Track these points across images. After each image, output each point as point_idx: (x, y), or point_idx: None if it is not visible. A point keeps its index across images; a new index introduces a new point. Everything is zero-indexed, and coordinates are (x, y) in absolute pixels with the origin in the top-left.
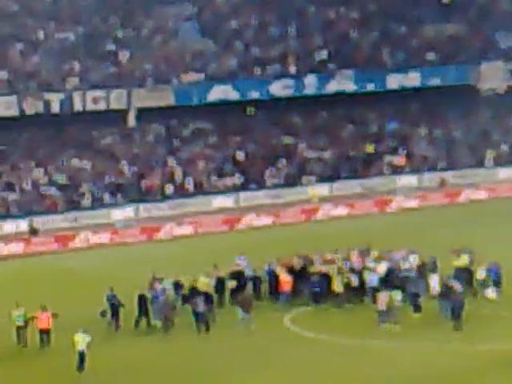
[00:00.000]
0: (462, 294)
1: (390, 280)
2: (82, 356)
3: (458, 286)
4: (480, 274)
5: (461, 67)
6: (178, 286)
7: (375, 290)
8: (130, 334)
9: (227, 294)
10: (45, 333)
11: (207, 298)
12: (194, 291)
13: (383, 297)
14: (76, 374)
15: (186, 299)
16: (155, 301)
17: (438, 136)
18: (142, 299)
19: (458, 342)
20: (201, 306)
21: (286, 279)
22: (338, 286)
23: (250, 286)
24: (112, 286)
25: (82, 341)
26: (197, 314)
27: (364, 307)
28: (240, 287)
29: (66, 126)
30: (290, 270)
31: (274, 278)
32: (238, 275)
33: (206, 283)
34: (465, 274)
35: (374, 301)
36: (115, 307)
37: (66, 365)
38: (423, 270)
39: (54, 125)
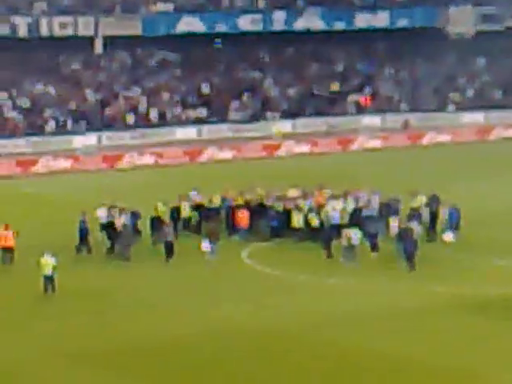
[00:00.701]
0: (417, 235)
1: (350, 218)
2: (49, 279)
3: (413, 227)
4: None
5: (429, 9)
6: (135, 215)
7: (335, 227)
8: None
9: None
10: (8, 251)
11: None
12: (157, 220)
13: (347, 233)
14: (43, 295)
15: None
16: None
17: (404, 77)
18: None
19: (411, 281)
20: (170, 235)
21: (242, 214)
22: (297, 222)
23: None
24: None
25: (48, 264)
26: (166, 242)
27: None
28: (203, 219)
29: (31, 50)
30: (247, 206)
31: (230, 212)
32: (199, 207)
33: (162, 211)
34: (419, 215)
35: (336, 238)
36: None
37: (31, 285)
38: (384, 211)
39: (19, 49)
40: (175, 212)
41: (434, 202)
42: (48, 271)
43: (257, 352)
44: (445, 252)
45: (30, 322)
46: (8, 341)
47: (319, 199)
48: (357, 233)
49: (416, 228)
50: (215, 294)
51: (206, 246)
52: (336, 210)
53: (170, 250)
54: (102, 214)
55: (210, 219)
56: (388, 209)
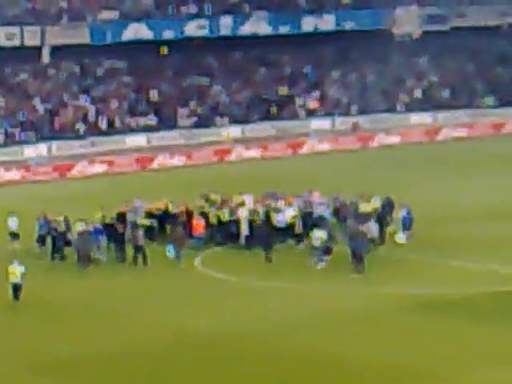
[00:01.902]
0: (365, 237)
1: (304, 221)
2: (16, 287)
3: (366, 230)
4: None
5: (375, 11)
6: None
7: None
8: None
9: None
10: None
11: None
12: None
13: (318, 234)
14: (11, 303)
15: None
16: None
17: (352, 80)
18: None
19: (363, 284)
20: (141, 240)
21: (198, 222)
22: (244, 229)
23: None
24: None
25: (16, 272)
26: (136, 248)
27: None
28: (168, 225)
29: None
30: (202, 213)
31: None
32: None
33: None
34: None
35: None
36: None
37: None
38: (339, 214)
39: None
40: (120, 218)
41: (388, 205)
42: (16, 279)
43: (212, 359)
44: (398, 253)
45: None
46: None
47: (266, 203)
48: (321, 233)
49: (372, 228)
50: (170, 301)
51: (171, 251)
52: (282, 214)
53: (139, 254)
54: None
55: (174, 225)
56: (345, 211)
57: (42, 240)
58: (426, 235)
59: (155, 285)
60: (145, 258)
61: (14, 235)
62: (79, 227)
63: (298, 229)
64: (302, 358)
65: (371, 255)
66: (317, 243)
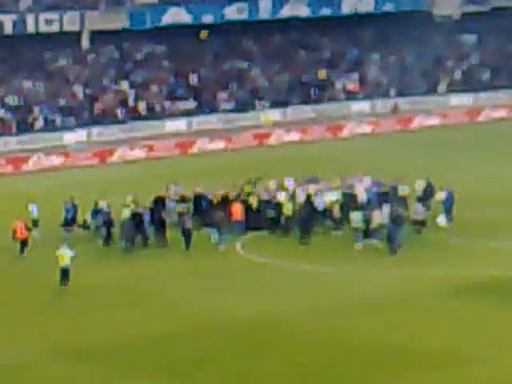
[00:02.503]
0: (401, 220)
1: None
2: (65, 271)
3: (412, 212)
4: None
5: None
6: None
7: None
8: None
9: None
10: (24, 243)
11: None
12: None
13: (355, 216)
14: (59, 288)
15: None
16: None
17: (392, 62)
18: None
19: (406, 267)
20: (188, 223)
21: (237, 208)
22: (288, 211)
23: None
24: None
25: (66, 256)
26: (184, 231)
27: (315, 234)
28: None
29: (18, 47)
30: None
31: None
32: (199, 198)
33: None
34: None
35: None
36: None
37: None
38: (381, 198)
39: (6, 46)
40: (160, 203)
41: (428, 188)
42: (65, 263)
43: (251, 342)
44: (438, 236)
45: (39, 317)
46: (16, 338)
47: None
48: (358, 215)
49: (419, 210)
50: (211, 285)
51: (215, 235)
52: (321, 197)
53: (188, 237)
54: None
55: (216, 210)
56: (385, 194)
57: (68, 224)
58: (466, 218)
59: (196, 269)
60: (189, 242)
61: (34, 222)
62: (126, 212)
63: (337, 213)
64: (340, 342)
65: (414, 237)
66: (355, 225)
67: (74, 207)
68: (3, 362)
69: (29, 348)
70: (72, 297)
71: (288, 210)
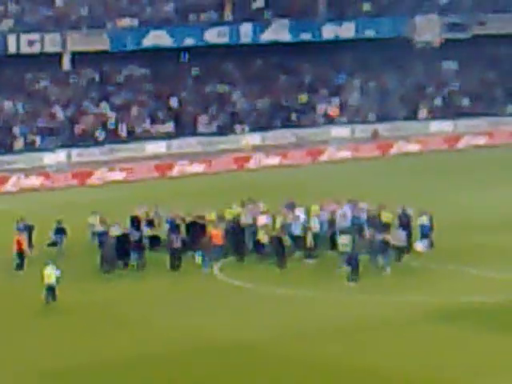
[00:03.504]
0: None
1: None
2: (51, 289)
3: (393, 238)
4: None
5: (395, 19)
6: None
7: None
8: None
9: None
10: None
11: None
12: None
13: (343, 240)
14: (45, 305)
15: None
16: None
17: (372, 87)
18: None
19: (383, 292)
20: (177, 243)
21: (216, 232)
22: (262, 238)
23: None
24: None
25: (51, 274)
26: (172, 250)
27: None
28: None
29: None
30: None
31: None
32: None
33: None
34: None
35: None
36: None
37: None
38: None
39: None
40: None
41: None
42: (51, 281)
43: (230, 367)
44: (417, 261)
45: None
46: None
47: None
48: (346, 238)
49: (400, 236)
50: (189, 308)
51: (197, 257)
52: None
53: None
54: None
55: (200, 234)
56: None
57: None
58: (445, 243)
59: (173, 291)
60: (176, 262)
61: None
62: (114, 231)
63: (310, 243)
64: (314, 365)
65: (393, 263)
66: (342, 249)
67: (27, 227)
68: None
69: (5, 369)
70: (51, 317)
71: (262, 235)
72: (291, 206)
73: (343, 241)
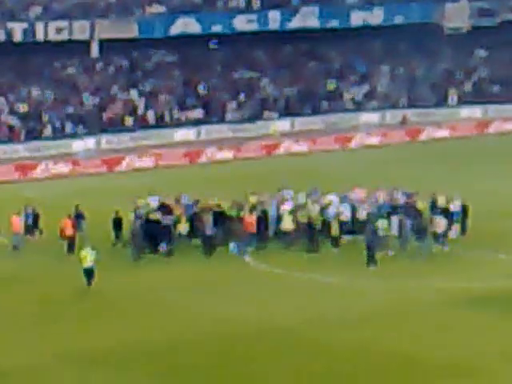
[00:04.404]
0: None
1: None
2: (88, 272)
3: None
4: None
5: (424, 5)
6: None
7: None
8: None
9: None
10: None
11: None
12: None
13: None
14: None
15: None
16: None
17: (401, 74)
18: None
19: (415, 278)
20: (209, 229)
21: (250, 219)
22: (289, 224)
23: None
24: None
25: (89, 257)
26: (204, 237)
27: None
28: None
29: (28, 55)
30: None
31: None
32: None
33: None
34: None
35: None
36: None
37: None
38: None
39: (16, 54)
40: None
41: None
42: (88, 264)
43: (260, 352)
44: (448, 247)
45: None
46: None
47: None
48: (383, 223)
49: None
50: (219, 293)
51: (232, 245)
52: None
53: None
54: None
55: (232, 221)
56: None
57: (28, 231)
58: (475, 229)
59: (204, 277)
60: (209, 249)
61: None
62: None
63: (335, 230)
64: (353, 353)
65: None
66: (381, 233)
67: (35, 215)
68: (15, 364)
69: (41, 351)
70: (87, 300)
71: (289, 223)
72: (315, 193)
73: (382, 225)
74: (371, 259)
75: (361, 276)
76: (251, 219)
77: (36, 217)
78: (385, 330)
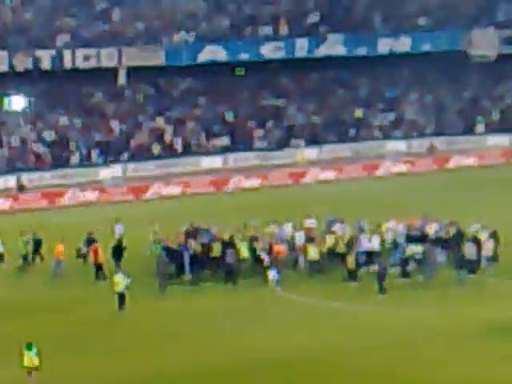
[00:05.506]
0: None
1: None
2: (120, 296)
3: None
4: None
5: (452, 33)
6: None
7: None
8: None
9: None
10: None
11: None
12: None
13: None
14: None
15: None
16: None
17: (428, 101)
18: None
19: (443, 305)
20: (231, 258)
21: (280, 248)
22: (314, 254)
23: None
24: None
25: (119, 282)
26: (226, 265)
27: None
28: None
29: (56, 82)
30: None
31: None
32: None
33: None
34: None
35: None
36: None
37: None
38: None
39: (44, 81)
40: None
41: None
42: (120, 289)
43: (287, 379)
44: (476, 275)
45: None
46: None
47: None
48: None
49: (472, 251)
50: (247, 322)
51: (272, 274)
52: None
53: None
54: None
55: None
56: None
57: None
58: (505, 258)
59: (231, 305)
60: (231, 277)
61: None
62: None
63: (351, 263)
64: (379, 376)
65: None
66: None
67: (36, 241)
68: None
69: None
70: (116, 326)
71: (315, 252)
72: (337, 222)
73: (416, 250)
74: (381, 288)
75: (386, 304)
76: (282, 247)
77: (38, 243)
78: (411, 356)
